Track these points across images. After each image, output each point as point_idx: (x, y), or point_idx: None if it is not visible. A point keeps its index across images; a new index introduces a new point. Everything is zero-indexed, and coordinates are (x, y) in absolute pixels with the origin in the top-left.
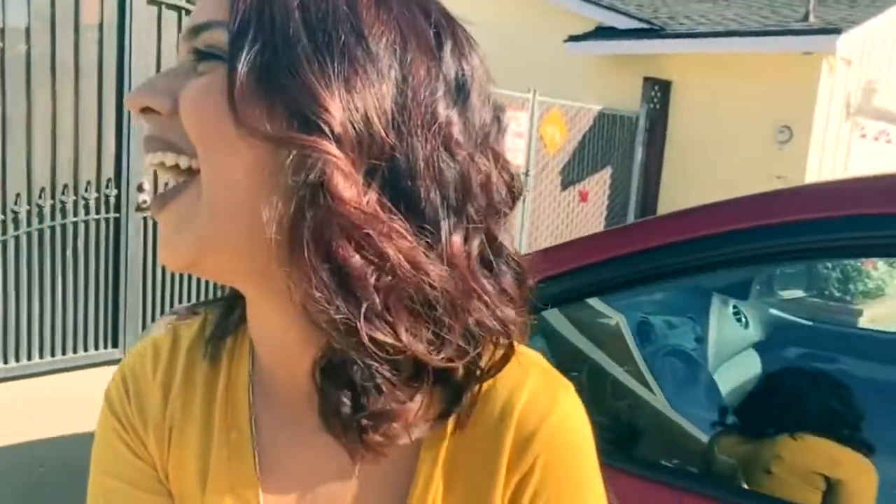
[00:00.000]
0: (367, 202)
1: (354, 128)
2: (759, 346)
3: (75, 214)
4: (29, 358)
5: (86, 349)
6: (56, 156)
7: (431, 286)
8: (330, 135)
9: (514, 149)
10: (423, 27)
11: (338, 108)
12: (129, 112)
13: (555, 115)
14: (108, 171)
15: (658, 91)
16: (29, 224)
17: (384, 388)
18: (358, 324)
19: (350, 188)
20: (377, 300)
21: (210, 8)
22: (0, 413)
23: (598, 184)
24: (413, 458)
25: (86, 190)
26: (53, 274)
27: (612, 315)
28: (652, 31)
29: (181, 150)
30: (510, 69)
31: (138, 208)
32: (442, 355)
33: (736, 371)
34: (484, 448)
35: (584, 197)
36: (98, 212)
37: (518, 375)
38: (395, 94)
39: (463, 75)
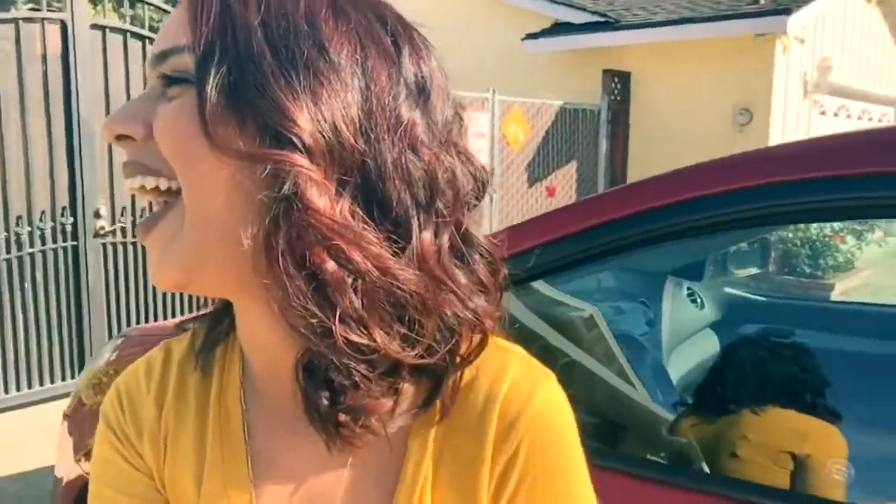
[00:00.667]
0: (340, 211)
1: (324, 138)
2: (716, 326)
3: (31, 245)
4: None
5: (52, 381)
6: (6, 187)
7: (401, 290)
8: (301, 147)
9: (477, 149)
10: (381, 35)
11: (306, 121)
12: (80, 140)
13: (515, 113)
14: (63, 199)
15: (618, 83)
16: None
17: (361, 385)
18: (333, 327)
19: (322, 198)
20: (351, 304)
21: (173, 33)
22: None
23: (565, 178)
24: (401, 450)
25: (41, 220)
26: (13, 307)
27: (559, 298)
28: (608, 24)
29: (159, 172)
30: (469, 70)
31: (96, 234)
32: (416, 352)
33: (693, 352)
34: (469, 436)
35: (551, 192)
36: (55, 241)
37: (499, 365)
38: (361, 101)
39: (422, 77)
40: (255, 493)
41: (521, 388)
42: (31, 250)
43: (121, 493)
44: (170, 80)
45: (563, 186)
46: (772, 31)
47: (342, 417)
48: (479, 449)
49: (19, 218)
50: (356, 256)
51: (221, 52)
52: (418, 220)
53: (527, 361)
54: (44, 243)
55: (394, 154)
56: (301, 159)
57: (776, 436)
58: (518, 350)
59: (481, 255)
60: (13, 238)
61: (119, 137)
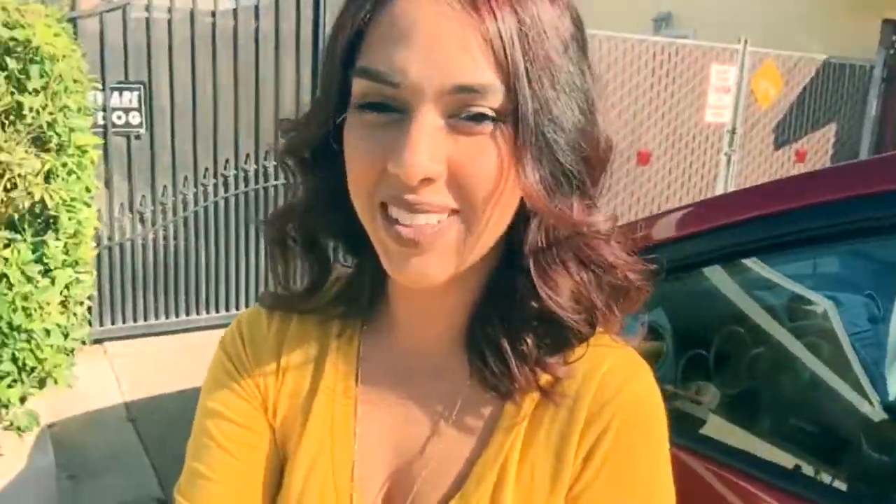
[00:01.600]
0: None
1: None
2: None
3: (276, 178)
4: (237, 308)
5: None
6: (258, 126)
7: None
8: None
9: (720, 105)
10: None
11: (595, 147)
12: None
13: (769, 66)
14: None
15: None
16: (236, 187)
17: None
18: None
19: (579, 213)
20: (581, 280)
21: (469, 69)
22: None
23: (820, 142)
24: (498, 413)
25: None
26: (258, 233)
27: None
28: None
29: (447, 206)
30: (717, 15)
31: None
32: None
33: None
34: (564, 409)
35: (801, 157)
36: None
37: (603, 351)
38: (590, 96)
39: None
40: (358, 435)
41: (618, 373)
42: (275, 182)
43: (223, 413)
44: (476, 118)
45: (817, 151)
46: None
47: (512, 364)
48: (571, 421)
49: (267, 153)
50: (596, 252)
51: (530, 93)
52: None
53: (629, 353)
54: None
55: (597, 138)
56: (576, 203)
57: None
58: (620, 342)
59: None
60: (261, 171)
61: (422, 181)
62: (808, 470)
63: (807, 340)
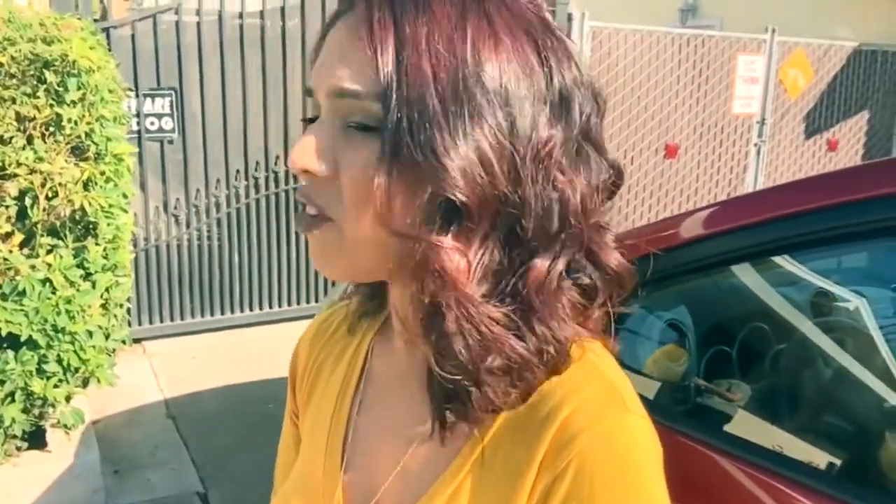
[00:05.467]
0: (471, 274)
1: (479, 194)
2: None
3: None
4: (271, 307)
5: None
6: (288, 124)
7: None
8: (461, 208)
9: (748, 96)
10: (530, 55)
11: (466, 182)
12: None
13: (798, 55)
14: None
15: None
16: (267, 188)
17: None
18: (438, 357)
19: (460, 269)
20: (463, 342)
21: (353, 72)
22: (240, 353)
23: (852, 130)
24: (468, 432)
25: None
26: (288, 233)
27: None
28: None
29: (326, 207)
30: (746, 7)
31: None
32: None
33: None
34: (524, 443)
35: (832, 146)
36: None
37: (577, 384)
38: (509, 137)
39: (566, 87)
40: (353, 427)
41: (586, 411)
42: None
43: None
44: (358, 127)
45: (849, 140)
46: None
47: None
48: (528, 458)
49: None
50: (482, 326)
51: (400, 105)
52: (540, 253)
53: (609, 389)
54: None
55: (536, 189)
56: (446, 241)
57: None
58: (610, 374)
59: (602, 270)
60: (291, 172)
61: (303, 172)
62: (840, 467)
63: (839, 337)
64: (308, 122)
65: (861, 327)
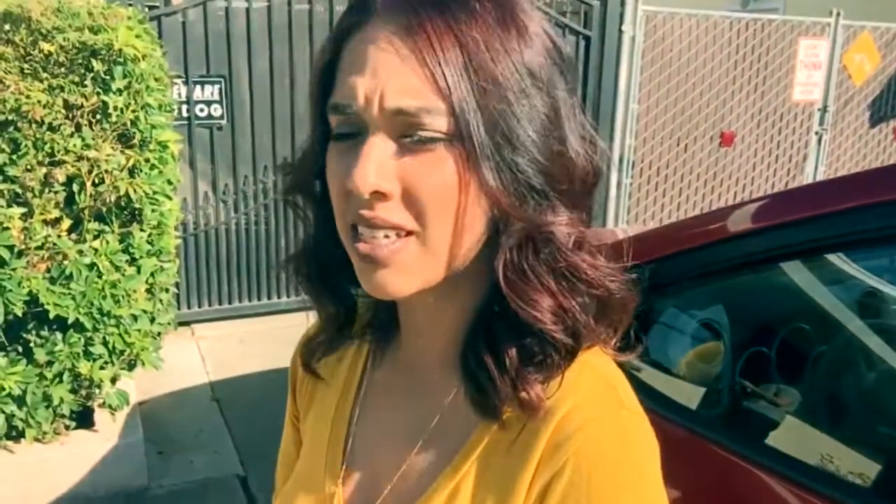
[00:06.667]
0: (565, 234)
1: (564, 170)
2: None
3: None
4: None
5: None
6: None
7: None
8: (548, 189)
9: (809, 82)
10: (545, 39)
11: (554, 164)
12: None
13: (864, 39)
14: None
15: None
16: None
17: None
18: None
19: (562, 232)
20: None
21: (413, 91)
22: (286, 338)
23: None
24: (466, 438)
25: None
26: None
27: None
28: None
29: (403, 225)
30: None
31: None
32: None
33: None
34: (521, 442)
35: None
36: None
37: (573, 383)
38: (565, 113)
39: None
40: (354, 432)
41: (582, 409)
42: None
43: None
44: (424, 140)
45: None
46: None
47: (499, 382)
48: (525, 458)
49: None
50: (569, 263)
51: (476, 112)
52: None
53: (604, 386)
54: None
55: (577, 155)
56: (561, 210)
57: None
58: (606, 375)
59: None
60: None
61: (373, 194)
62: (886, 475)
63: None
64: (342, 137)
65: None
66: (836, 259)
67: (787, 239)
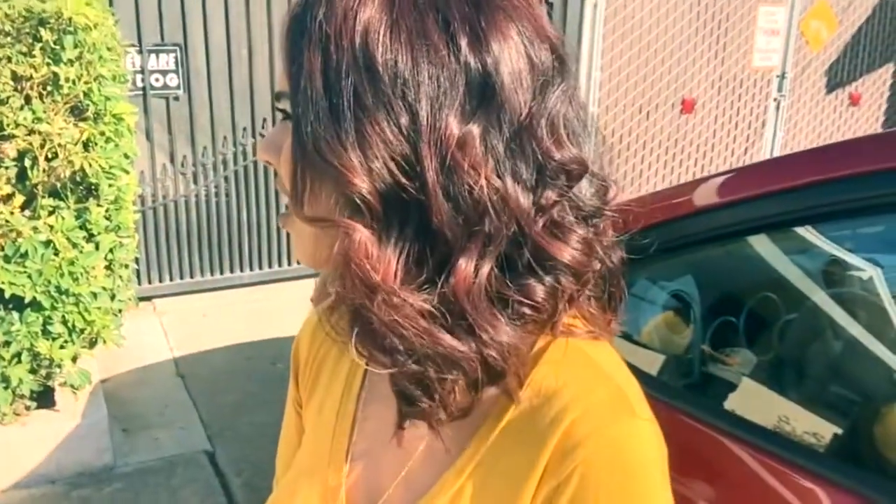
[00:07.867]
0: (383, 267)
1: (379, 189)
2: None
3: None
4: (280, 265)
5: None
6: None
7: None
8: (362, 205)
9: (768, 49)
10: (435, 35)
11: (362, 178)
12: None
13: (821, 6)
14: None
15: None
16: None
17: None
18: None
19: (371, 256)
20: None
21: (282, 76)
22: (249, 312)
23: (875, 85)
24: (467, 440)
25: None
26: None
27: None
28: None
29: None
30: None
31: None
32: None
33: None
34: (526, 447)
35: (855, 100)
36: None
37: (583, 388)
38: (410, 130)
39: (485, 71)
40: (358, 426)
41: (592, 416)
42: None
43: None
44: (285, 118)
45: (872, 94)
46: None
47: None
48: (531, 463)
49: None
50: (392, 316)
51: (297, 103)
52: (460, 250)
53: (616, 394)
54: None
55: (441, 182)
56: (360, 228)
57: None
58: (617, 378)
59: (557, 266)
60: None
61: (266, 163)
62: (846, 438)
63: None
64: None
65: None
66: (803, 230)
67: (753, 213)
